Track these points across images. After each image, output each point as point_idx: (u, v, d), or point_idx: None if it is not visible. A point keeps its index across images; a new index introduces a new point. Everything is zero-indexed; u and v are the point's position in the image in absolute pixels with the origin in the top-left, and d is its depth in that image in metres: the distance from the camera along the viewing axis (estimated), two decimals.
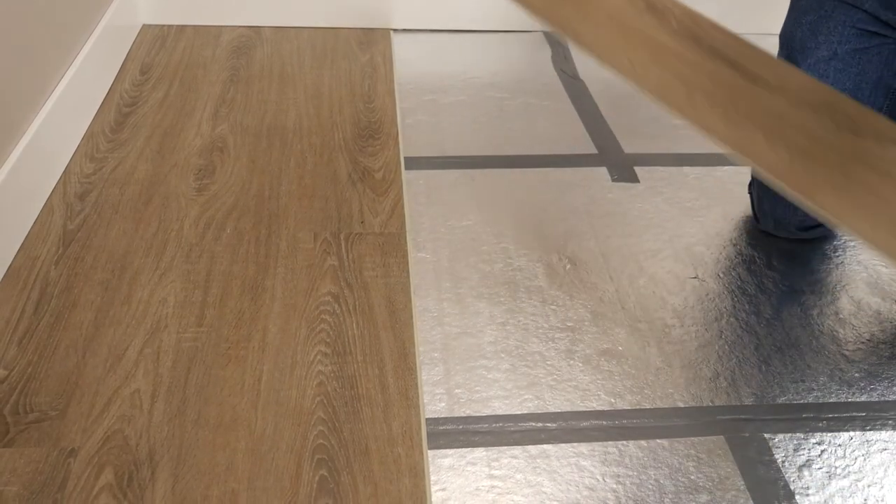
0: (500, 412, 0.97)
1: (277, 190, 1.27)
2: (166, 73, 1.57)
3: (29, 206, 1.18)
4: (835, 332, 1.11)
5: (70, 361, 0.97)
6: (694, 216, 1.30)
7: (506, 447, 0.92)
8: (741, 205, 1.33)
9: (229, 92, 1.52)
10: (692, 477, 0.91)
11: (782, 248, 1.25)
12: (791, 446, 0.95)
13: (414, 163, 1.39)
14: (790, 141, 0.67)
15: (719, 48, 1.00)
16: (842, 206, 0.66)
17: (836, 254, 1.24)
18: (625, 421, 0.97)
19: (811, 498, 0.90)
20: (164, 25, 1.75)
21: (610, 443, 0.94)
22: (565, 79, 1.68)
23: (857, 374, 1.05)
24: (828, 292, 1.18)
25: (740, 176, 1.39)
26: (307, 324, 1.04)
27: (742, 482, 0.90)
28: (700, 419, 0.98)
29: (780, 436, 0.97)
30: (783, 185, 0.70)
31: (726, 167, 1.41)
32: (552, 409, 0.98)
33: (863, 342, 1.10)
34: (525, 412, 0.97)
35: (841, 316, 1.14)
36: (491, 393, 0.99)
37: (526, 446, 0.93)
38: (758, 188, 1.21)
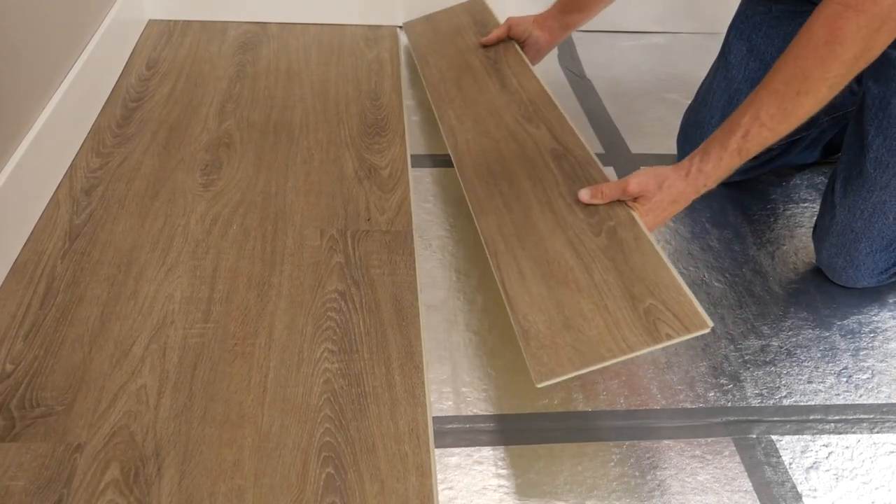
0: (507, 411, 0.96)
1: (284, 186, 1.27)
2: (172, 68, 1.57)
3: (35, 200, 1.17)
4: (842, 334, 1.11)
5: (76, 356, 0.97)
6: (700, 216, 1.30)
7: (513, 446, 0.92)
8: (745, 203, 1.33)
9: (235, 88, 1.52)
10: (699, 478, 0.91)
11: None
12: (798, 448, 0.95)
13: (421, 160, 1.39)
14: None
15: (513, 86, 1.33)
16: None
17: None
18: (631, 421, 0.97)
19: (819, 500, 0.89)
20: (170, 20, 1.74)
21: (616, 443, 0.94)
22: (572, 78, 1.68)
23: (864, 377, 1.05)
24: (838, 296, 1.18)
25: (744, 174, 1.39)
26: (314, 321, 1.03)
27: (749, 483, 0.90)
28: (707, 420, 0.98)
29: (788, 437, 0.96)
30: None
31: None
32: (559, 409, 0.97)
33: (870, 345, 1.10)
34: (533, 411, 0.97)
35: (848, 319, 1.14)
36: (498, 392, 0.99)
37: (533, 445, 0.93)
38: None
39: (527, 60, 1.39)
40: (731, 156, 0.96)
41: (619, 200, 1.01)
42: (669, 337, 0.83)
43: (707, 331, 0.83)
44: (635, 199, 1.00)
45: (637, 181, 1.00)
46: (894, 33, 0.89)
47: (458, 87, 1.39)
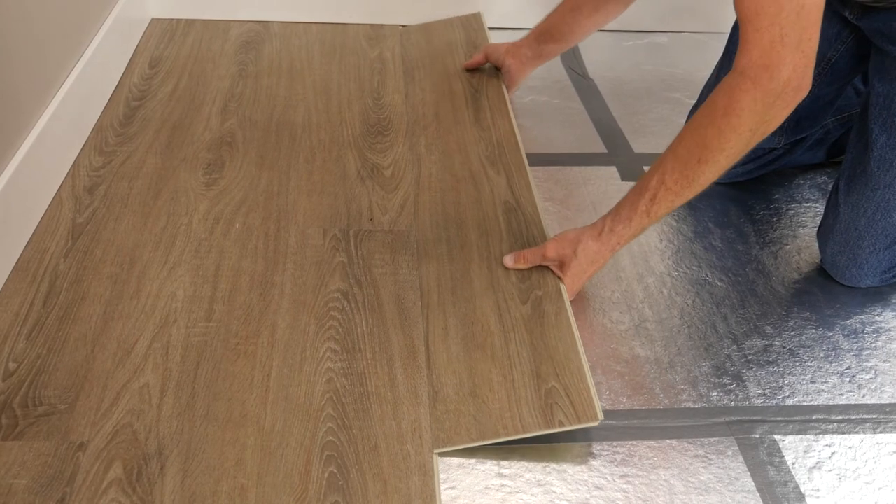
0: None
1: (286, 186, 1.27)
2: (175, 66, 1.57)
3: (38, 199, 1.17)
4: (845, 334, 1.11)
5: (79, 355, 0.97)
6: (703, 215, 1.30)
7: (515, 445, 0.92)
8: (748, 203, 1.33)
9: (238, 86, 1.52)
10: (702, 478, 0.90)
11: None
12: (801, 448, 0.95)
13: None
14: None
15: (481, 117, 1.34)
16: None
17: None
18: (634, 421, 0.97)
19: (822, 500, 0.89)
20: (172, 19, 1.74)
21: (619, 442, 0.94)
22: (575, 77, 1.68)
23: (867, 377, 1.05)
24: (841, 296, 1.18)
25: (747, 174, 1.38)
26: (316, 320, 1.03)
27: (752, 483, 0.90)
28: (709, 420, 0.98)
29: (790, 437, 0.96)
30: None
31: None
32: None
33: (873, 345, 1.10)
34: None
35: (852, 319, 1.14)
36: None
37: (535, 445, 0.92)
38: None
39: (506, 94, 1.39)
40: (641, 217, 0.99)
41: (546, 266, 1.06)
42: (562, 424, 0.88)
43: (596, 424, 0.87)
44: (560, 266, 1.05)
45: (553, 247, 1.04)
46: (787, 109, 0.91)
47: (436, 112, 1.40)
